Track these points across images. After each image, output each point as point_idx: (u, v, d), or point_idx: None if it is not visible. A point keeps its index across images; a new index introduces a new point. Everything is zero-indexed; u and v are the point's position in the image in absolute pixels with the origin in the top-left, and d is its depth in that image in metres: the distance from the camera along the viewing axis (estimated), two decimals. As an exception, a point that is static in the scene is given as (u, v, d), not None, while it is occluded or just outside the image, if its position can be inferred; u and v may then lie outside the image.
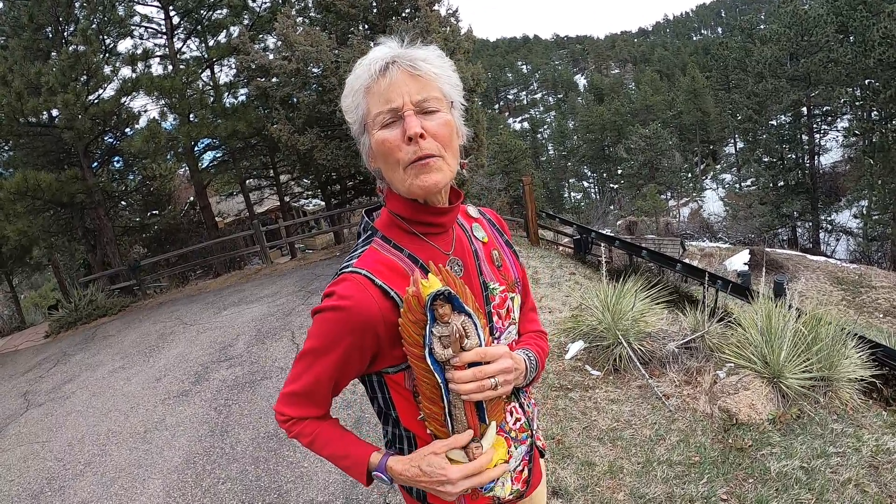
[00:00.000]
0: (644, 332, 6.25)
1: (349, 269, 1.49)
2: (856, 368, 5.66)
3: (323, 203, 28.02)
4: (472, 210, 1.80)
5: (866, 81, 42.37)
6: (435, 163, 1.43)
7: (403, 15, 17.29)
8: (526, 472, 1.75)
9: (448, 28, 16.68)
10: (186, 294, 17.15)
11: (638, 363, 5.87)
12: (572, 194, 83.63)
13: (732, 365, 5.59)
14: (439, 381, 1.42)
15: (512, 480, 1.69)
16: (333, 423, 1.64)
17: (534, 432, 1.79)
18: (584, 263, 13.82)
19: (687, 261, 24.97)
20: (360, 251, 1.55)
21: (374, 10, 17.34)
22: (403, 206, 1.54)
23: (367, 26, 17.78)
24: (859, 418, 5.26)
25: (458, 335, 1.39)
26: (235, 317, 11.85)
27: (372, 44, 15.78)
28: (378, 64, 1.43)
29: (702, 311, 6.37)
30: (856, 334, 6.15)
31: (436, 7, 17.05)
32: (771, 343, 5.39)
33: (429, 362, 1.40)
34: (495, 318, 1.65)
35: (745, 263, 26.69)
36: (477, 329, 1.43)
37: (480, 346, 1.43)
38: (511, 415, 1.68)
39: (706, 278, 7.53)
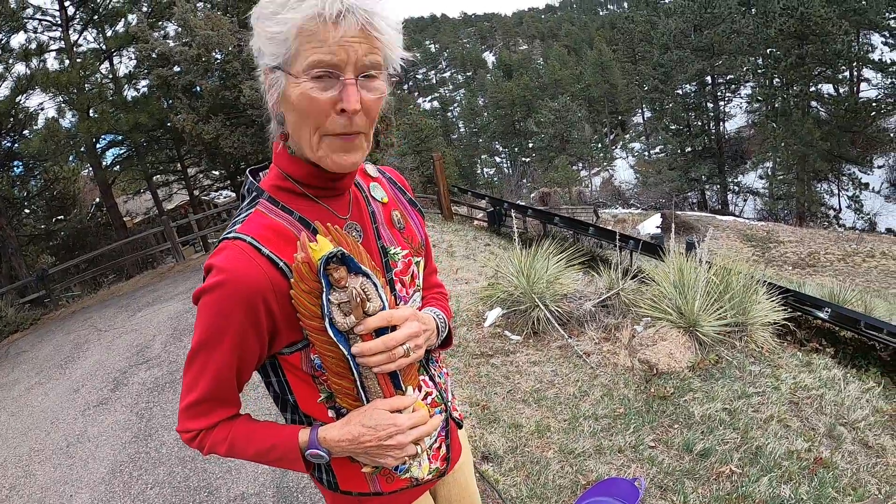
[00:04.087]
0: (560, 294, 6.31)
1: (231, 234, 1.30)
2: (768, 313, 5.86)
3: (233, 194, 27.48)
4: (371, 169, 1.63)
5: (768, 50, 44.12)
6: (358, 141, 1.28)
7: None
8: (444, 448, 1.64)
9: None
10: (99, 300, 16.59)
11: (556, 324, 5.93)
12: (485, 170, 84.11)
13: (649, 318, 5.70)
14: (345, 353, 1.29)
15: (429, 459, 1.55)
16: (245, 418, 1.44)
17: (448, 404, 1.65)
18: (499, 235, 13.94)
19: (600, 226, 25.53)
20: (243, 216, 1.35)
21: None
22: (297, 167, 1.35)
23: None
24: (776, 359, 5.46)
25: (358, 299, 1.27)
26: (151, 317, 11.52)
27: None
28: (334, 7, 1.15)
29: (616, 270, 6.47)
30: (766, 281, 6.33)
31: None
32: (685, 295, 5.51)
33: (331, 334, 1.26)
34: (398, 287, 1.49)
35: (657, 227, 27.38)
36: (378, 290, 1.31)
37: (384, 309, 1.31)
38: (420, 389, 1.52)
39: (617, 239, 7.62)
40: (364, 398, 1.35)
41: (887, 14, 43.50)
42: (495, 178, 73.47)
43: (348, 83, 1.19)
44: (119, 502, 5.15)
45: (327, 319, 1.25)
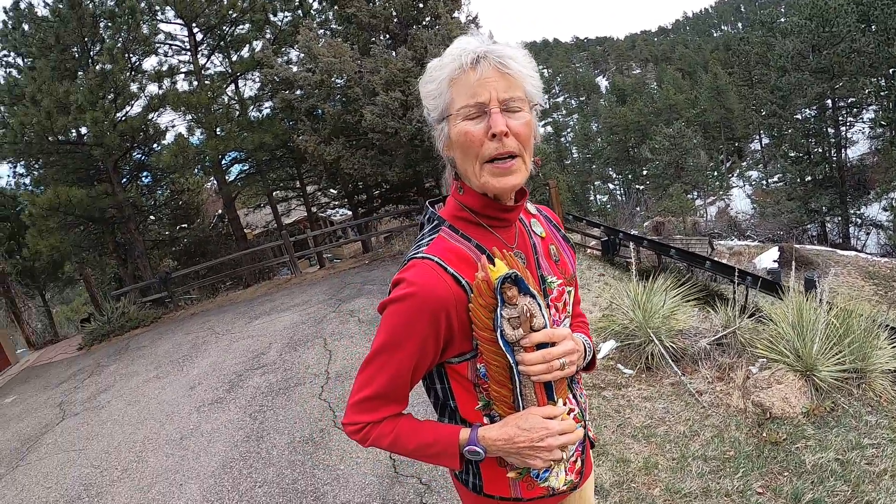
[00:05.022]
0: (675, 330, 6.26)
1: (419, 255, 1.52)
2: (889, 360, 5.62)
3: (350, 212, 28.18)
4: (531, 207, 1.84)
5: (890, 71, 41.93)
6: (515, 164, 1.48)
7: (424, 23, 17.40)
8: (579, 462, 1.77)
9: (469, 35, 16.76)
10: (217, 305, 17.31)
11: (670, 360, 5.89)
12: (598, 197, 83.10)
13: (765, 360, 5.58)
14: (511, 361, 1.47)
15: (566, 470, 1.68)
16: (409, 417, 1.63)
17: (586, 422, 1.82)
18: (613, 265, 13.79)
19: (716, 259, 24.82)
20: (428, 239, 1.58)
21: (395, 20, 17.48)
22: (474, 199, 1.57)
23: (388, 36, 17.93)
24: (894, 410, 5.23)
25: (527, 314, 1.45)
26: (267, 325, 11.96)
27: (394, 53, 16.02)
28: (469, 56, 1.44)
29: (732, 307, 6.37)
30: (888, 326, 6.10)
31: (456, 14, 17.15)
32: (803, 336, 5.37)
33: (500, 344, 1.45)
34: (552, 311, 1.66)
35: (775, 261, 26.39)
36: (542, 310, 1.49)
37: (546, 327, 1.49)
38: (564, 405, 1.67)
39: (735, 275, 7.50)
40: (520, 405, 1.53)
41: None
42: (608, 206, 72.40)
43: (493, 112, 1.43)
44: (227, 496, 5.41)
45: (499, 331, 1.45)
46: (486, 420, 1.60)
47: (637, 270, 7.15)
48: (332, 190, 27.72)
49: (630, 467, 4.59)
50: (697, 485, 4.28)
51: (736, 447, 4.71)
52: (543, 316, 1.49)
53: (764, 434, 4.83)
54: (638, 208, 62.53)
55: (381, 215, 25.17)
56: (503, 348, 1.46)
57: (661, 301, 6.36)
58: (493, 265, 1.46)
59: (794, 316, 5.58)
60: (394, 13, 17.26)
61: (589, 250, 16.09)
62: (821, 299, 5.56)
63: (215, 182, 26.62)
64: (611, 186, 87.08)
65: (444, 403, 1.68)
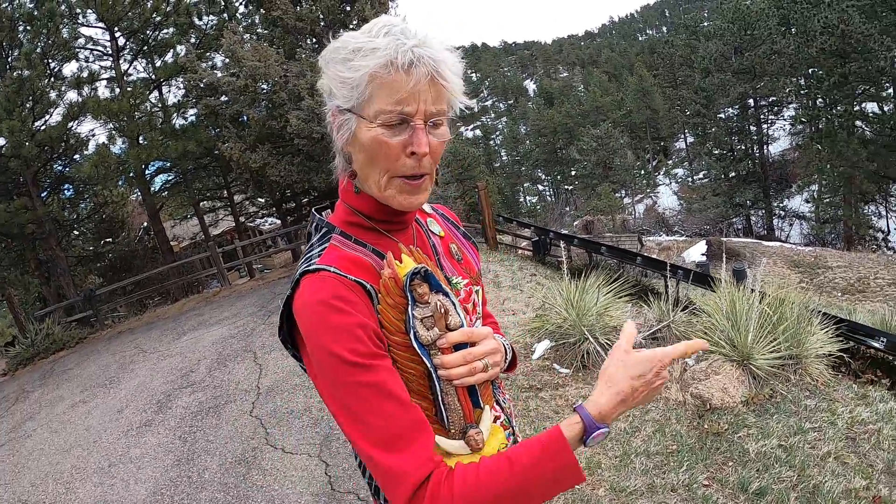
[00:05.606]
0: (609, 327, 6.22)
1: (311, 268, 1.31)
2: (823, 344, 5.72)
3: (279, 221, 27.79)
4: (426, 206, 1.70)
5: (810, 70, 43.85)
6: (425, 182, 1.35)
7: (351, 27, 17.19)
8: None
9: (396, 15, 16.65)
10: (145, 322, 16.84)
11: (606, 357, 5.83)
12: (528, 198, 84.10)
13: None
14: (428, 366, 1.31)
15: None
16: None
17: (515, 429, 1.62)
18: (545, 264, 13.81)
19: (646, 255, 25.24)
20: (318, 250, 1.38)
21: (322, 23, 17.26)
22: (365, 202, 1.41)
23: (314, 40, 17.70)
24: (831, 392, 5.30)
25: (442, 310, 1.32)
26: (195, 341, 11.65)
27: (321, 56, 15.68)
28: (405, 57, 1.23)
29: (665, 301, 6.38)
30: (820, 311, 6.20)
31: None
32: (737, 327, 5.41)
33: (415, 347, 1.29)
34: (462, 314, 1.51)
35: (703, 254, 27.07)
36: (456, 308, 1.36)
37: (463, 325, 1.35)
38: (491, 411, 1.48)
39: (667, 269, 7.51)
40: (444, 416, 1.33)
41: None
42: (538, 206, 73.44)
43: (418, 128, 1.26)
44: (160, 526, 5.18)
45: (412, 333, 1.29)
46: None
47: (569, 269, 7.10)
48: (259, 199, 27.36)
49: (572, 468, 4.49)
50: (642, 481, 4.22)
51: (678, 440, 4.68)
52: (459, 314, 1.36)
53: (705, 425, 4.82)
54: (567, 208, 63.58)
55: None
56: (418, 352, 1.30)
57: (594, 299, 6.32)
58: (401, 261, 1.33)
59: (728, 306, 5.61)
60: (320, 16, 17.06)
61: (521, 251, 16.13)
62: (752, 289, 5.59)
63: (139, 194, 25.96)
64: (540, 188, 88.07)
65: None
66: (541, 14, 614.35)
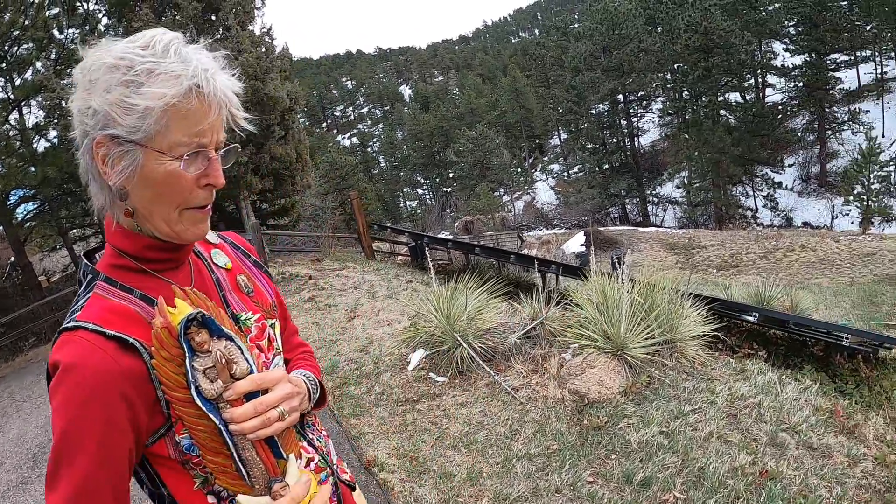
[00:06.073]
0: (483, 330, 6.08)
1: (70, 325, 1.15)
2: (696, 326, 5.80)
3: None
4: (212, 236, 1.51)
5: (675, 66, 46.86)
6: (209, 210, 1.26)
7: (217, 37, 16.60)
8: None
9: (262, 48, 16.19)
10: (17, 366, 15.80)
11: (481, 362, 5.70)
12: (408, 203, 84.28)
13: (576, 346, 5.52)
14: (217, 423, 1.13)
15: None
16: None
17: (333, 467, 1.50)
18: (423, 270, 13.68)
19: (525, 251, 25.58)
20: (81, 302, 1.21)
21: (186, 35, 16.59)
22: (132, 241, 1.23)
23: (178, 51, 17.04)
24: (709, 372, 5.37)
25: (224, 361, 1.14)
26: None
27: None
28: (208, 86, 1.14)
29: (537, 298, 6.31)
30: (691, 293, 6.29)
31: (249, 27, 16.55)
32: (609, 318, 5.38)
33: (199, 403, 1.12)
34: (255, 353, 1.32)
35: (582, 244, 27.66)
36: (244, 353, 1.19)
37: (253, 372, 1.18)
38: (300, 456, 1.35)
39: (535, 264, 7.48)
40: (244, 472, 1.18)
41: (786, 23, 46.27)
42: (419, 211, 73.73)
43: (213, 159, 1.19)
44: None
45: (193, 387, 1.13)
46: (210, 500, 1.25)
47: (446, 271, 6.96)
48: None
49: (454, 481, 4.33)
50: (525, 486, 4.10)
51: (559, 439, 4.59)
52: (247, 359, 1.19)
53: (585, 421, 4.75)
54: (448, 210, 64.06)
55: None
56: (203, 407, 1.12)
57: (465, 302, 6.17)
58: (175, 306, 1.13)
59: (599, 298, 5.58)
60: (184, 26, 16.38)
61: (400, 258, 15.94)
62: (622, 278, 5.58)
63: (2, 227, 24.40)
64: (420, 192, 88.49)
65: (155, 493, 1.29)
66: (415, 20, 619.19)
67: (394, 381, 6.05)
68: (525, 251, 25.89)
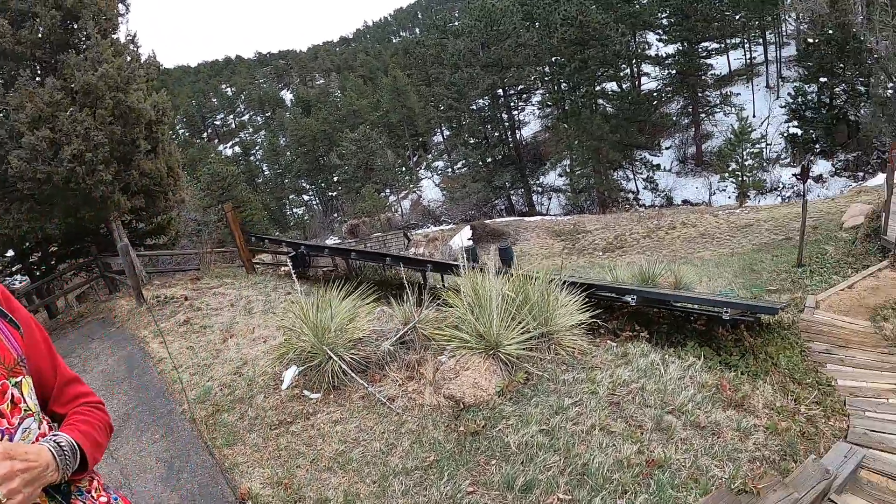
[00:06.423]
0: (355, 339, 5.79)
1: None
2: (573, 315, 5.70)
3: (28, 278, 25.20)
4: None
5: (553, 59, 48.49)
6: None
7: (84, 48, 15.54)
8: None
9: (127, 56, 15.31)
10: None
11: (354, 374, 5.42)
12: (295, 210, 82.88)
13: (452, 347, 5.32)
14: None
15: None
16: None
17: None
18: (307, 279, 13.23)
19: (413, 250, 25.45)
20: None
21: (46, 46, 15.45)
22: None
23: (37, 66, 15.82)
24: (590, 361, 5.26)
25: None
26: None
27: (42, 85, 14.06)
28: None
29: (408, 301, 6.07)
30: (566, 282, 6.19)
31: (113, 35, 15.63)
32: (482, 316, 5.19)
33: None
34: None
35: (469, 239, 27.75)
36: None
37: None
38: None
39: (401, 265, 7.25)
40: None
41: (659, 14, 48.98)
42: (306, 217, 72.69)
43: None
44: None
45: None
46: None
47: (326, 278, 6.67)
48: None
49: (329, 507, 4.05)
50: (404, 504, 3.87)
51: (437, 449, 4.37)
52: None
53: (462, 427, 4.55)
54: (336, 214, 63.46)
55: (65, 270, 22.69)
56: None
57: (332, 314, 5.86)
58: None
59: (471, 296, 5.38)
60: (43, 37, 15.25)
61: (284, 269, 15.39)
62: (490, 274, 5.44)
63: None
64: (306, 198, 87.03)
65: None
66: (295, 22, 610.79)
67: (267, 403, 5.70)
68: (412, 250, 25.75)
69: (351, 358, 5.57)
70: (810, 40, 42.42)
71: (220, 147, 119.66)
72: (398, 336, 5.66)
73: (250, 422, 5.44)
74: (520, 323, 5.21)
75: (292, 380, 5.84)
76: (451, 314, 5.64)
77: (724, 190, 42.78)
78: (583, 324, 5.76)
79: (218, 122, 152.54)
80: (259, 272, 14.14)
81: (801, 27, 49.39)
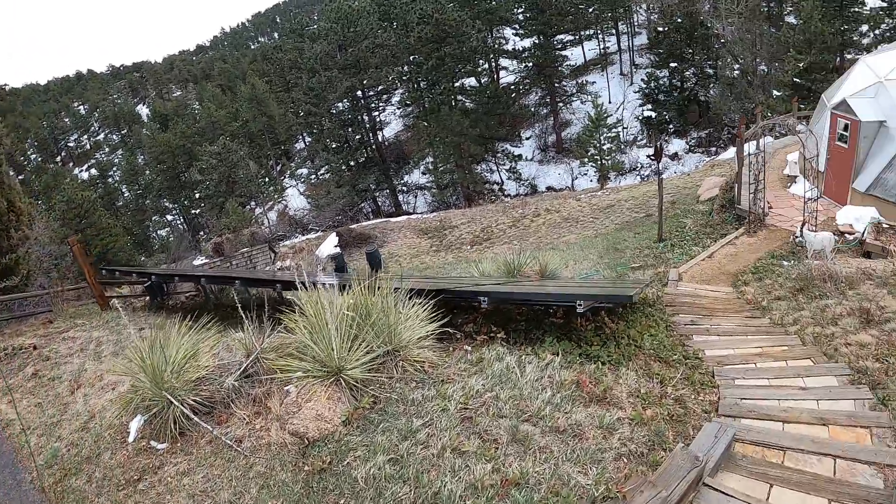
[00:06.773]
0: (197, 379, 5.44)
1: None
2: (422, 326, 5.53)
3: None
4: None
5: (411, 58, 49.39)
6: None
7: None
8: None
9: None
10: None
11: (197, 419, 5.11)
12: (159, 232, 79.48)
13: (298, 376, 5.09)
14: None
15: None
16: None
17: None
18: (165, 309, 12.54)
19: (279, 263, 24.90)
20: None
21: None
22: None
23: None
24: (442, 372, 5.13)
25: None
26: None
27: None
28: None
29: (247, 329, 5.79)
30: (412, 289, 6.01)
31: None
32: (320, 340, 5.01)
33: None
34: None
35: (336, 245, 27.37)
36: None
37: None
38: None
39: (235, 285, 6.92)
40: None
41: (515, 10, 50.97)
42: (170, 238, 69.93)
43: None
44: None
45: None
46: None
47: (185, 308, 6.31)
48: None
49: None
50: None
51: (285, 493, 4.18)
52: None
53: (308, 465, 4.34)
54: (202, 233, 61.47)
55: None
56: None
57: (173, 351, 5.49)
58: None
59: (311, 318, 5.19)
60: None
61: (139, 301, 14.46)
62: (325, 292, 5.25)
63: None
64: (169, 218, 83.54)
65: None
66: (150, 32, 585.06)
67: (114, 461, 5.31)
68: (279, 263, 25.16)
69: (194, 400, 5.25)
70: (660, 29, 45.50)
71: (76, 170, 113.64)
72: (241, 370, 5.39)
73: (98, 484, 5.05)
74: (363, 342, 5.03)
75: (138, 430, 5.46)
76: (294, 340, 5.42)
77: (586, 174, 44.97)
78: (431, 334, 5.59)
79: (72, 144, 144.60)
80: (116, 307, 13.36)
81: (652, 17, 53.40)
